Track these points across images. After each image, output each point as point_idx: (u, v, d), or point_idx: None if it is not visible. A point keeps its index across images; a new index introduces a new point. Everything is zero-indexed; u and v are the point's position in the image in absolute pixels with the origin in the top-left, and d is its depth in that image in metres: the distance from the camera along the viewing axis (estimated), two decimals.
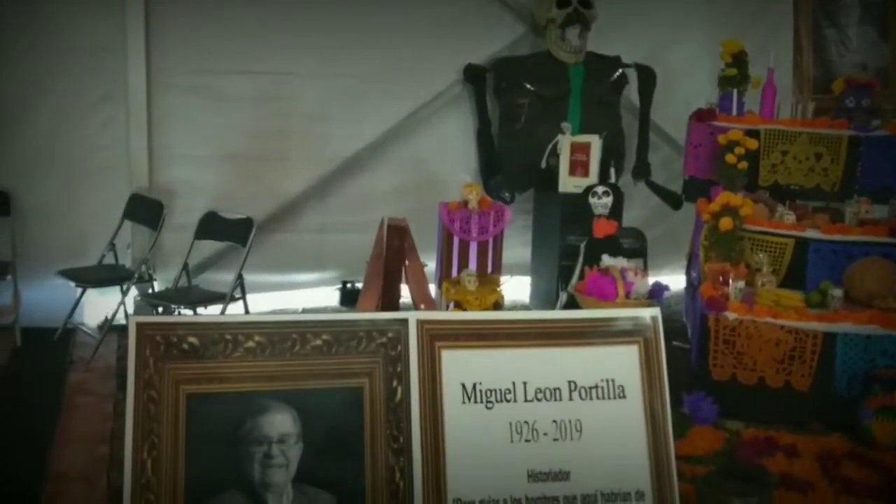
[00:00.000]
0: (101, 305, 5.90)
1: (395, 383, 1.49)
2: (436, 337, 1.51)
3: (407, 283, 1.65)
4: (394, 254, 1.56)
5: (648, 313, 1.60)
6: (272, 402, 1.45)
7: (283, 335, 1.47)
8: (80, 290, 5.65)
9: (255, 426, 1.44)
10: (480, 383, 1.52)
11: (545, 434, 1.53)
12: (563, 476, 1.52)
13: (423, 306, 1.59)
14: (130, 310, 5.79)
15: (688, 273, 5.82)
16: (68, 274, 5.57)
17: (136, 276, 5.66)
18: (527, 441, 1.52)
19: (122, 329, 5.75)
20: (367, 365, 1.49)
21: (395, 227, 1.53)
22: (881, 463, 4.43)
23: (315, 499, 1.45)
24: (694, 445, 4.44)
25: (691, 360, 5.03)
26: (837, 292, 4.95)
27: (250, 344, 1.45)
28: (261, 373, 1.45)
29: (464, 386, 1.51)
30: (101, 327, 5.74)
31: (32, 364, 5.37)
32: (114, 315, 5.72)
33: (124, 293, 5.73)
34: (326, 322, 1.50)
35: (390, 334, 1.50)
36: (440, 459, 1.48)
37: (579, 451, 1.54)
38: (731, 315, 4.86)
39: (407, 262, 1.61)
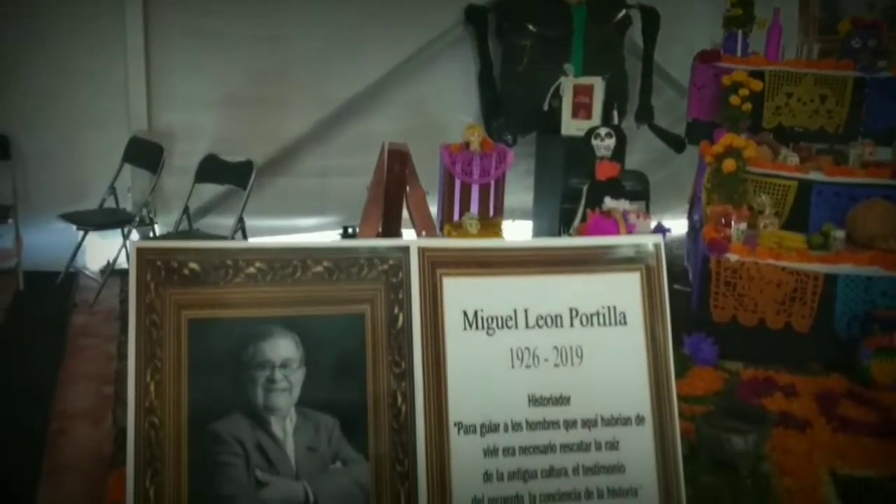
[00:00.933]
0: (103, 249, 5.91)
1: (396, 310, 1.49)
2: (437, 264, 1.51)
3: (408, 209, 1.64)
4: (394, 179, 1.55)
5: (651, 240, 1.59)
6: (274, 327, 1.45)
7: (284, 261, 1.47)
8: (81, 233, 5.65)
9: (257, 351, 1.44)
10: (482, 310, 1.52)
11: (546, 360, 1.53)
12: (563, 401, 1.53)
13: (424, 233, 1.59)
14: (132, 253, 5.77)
15: (689, 217, 5.81)
16: (69, 217, 5.57)
17: (137, 219, 5.66)
18: (527, 367, 1.53)
19: (125, 273, 5.77)
20: (368, 292, 1.49)
21: (395, 151, 1.51)
22: (879, 402, 4.48)
23: (318, 422, 1.46)
24: (693, 386, 4.48)
25: (692, 303, 5.05)
26: (839, 234, 4.96)
27: (251, 270, 1.45)
28: (262, 299, 1.45)
29: (465, 313, 1.51)
30: (103, 271, 5.75)
31: (35, 307, 5.40)
32: (115, 259, 5.73)
33: (125, 237, 5.74)
34: (327, 249, 1.49)
35: (391, 261, 1.50)
36: (441, 384, 1.49)
37: (580, 377, 1.54)
38: (732, 257, 4.86)
39: (408, 188, 1.60)
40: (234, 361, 1.43)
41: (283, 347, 1.45)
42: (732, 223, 4.94)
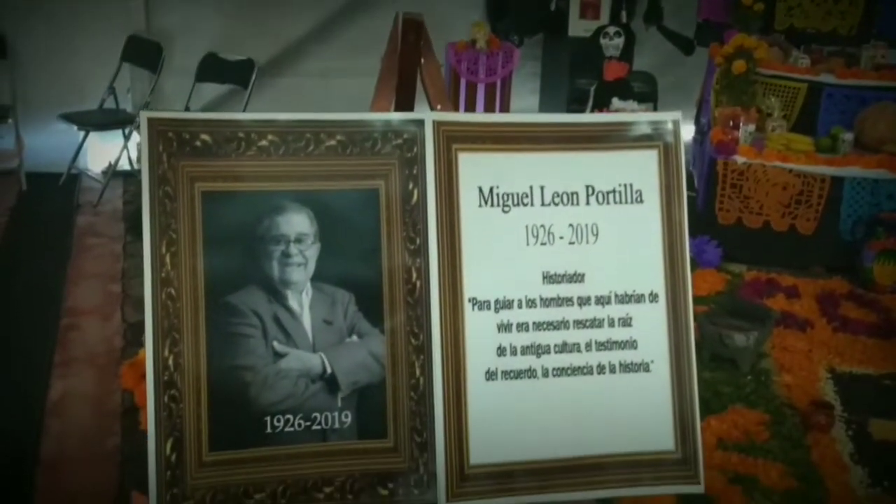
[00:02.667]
0: (105, 151, 5.87)
1: (411, 185, 1.47)
2: (453, 139, 1.49)
3: (422, 82, 1.60)
4: (409, 50, 1.51)
5: (670, 117, 1.56)
6: (288, 202, 1.44)
7: (297, 134, 1.44)
8: (82, 134, 5.60)
9: (272, 225, 1.43)
10: (497, 187, 1.50)
11: (561, 237, 1.53)
12: (577, 278, 1.53)
13: (439, 107, 1.56)
14: (133, 155, 5.75)
15: (697, 121, 5.74)
16: (69, 118, 5.51)
17: (137, 120, 5.59)
18: (542, 244, 1.52)
19: (127, 174, 5.75)
20: (382, 166, 1.47)
21: (410, 20, 1.47)
22: (879, 303, 4.53)
23: (334, 296, 1.46)
24: (696, 287, 4.49)
25: (697, 206, 5.04)
26: (848, 136, 4.91)
27: (263, 143, 1.43)
28: (275, 172, 1.44)
29: (480, 189, 1.50)
30: (105, 172, 5.73)
31: (39, 208, 5.40)
32: (117, 160, 5.70)
33: (126, 138, 5.69)
34: (340, 122, 1.47)
35: (406, 136, 1.47)
36: (456, 260, 1.49)
37: (595, 255, 1.54)
38: (739, 159, 4.83)
39: (423, 60, 1.56)
40: (249, 235, 1.43)
41: (298, 222, 1.44)
42: (741, 125, 4.89)
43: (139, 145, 5.85)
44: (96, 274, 4.49)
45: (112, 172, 5.65)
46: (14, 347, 3.77)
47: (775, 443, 3.33)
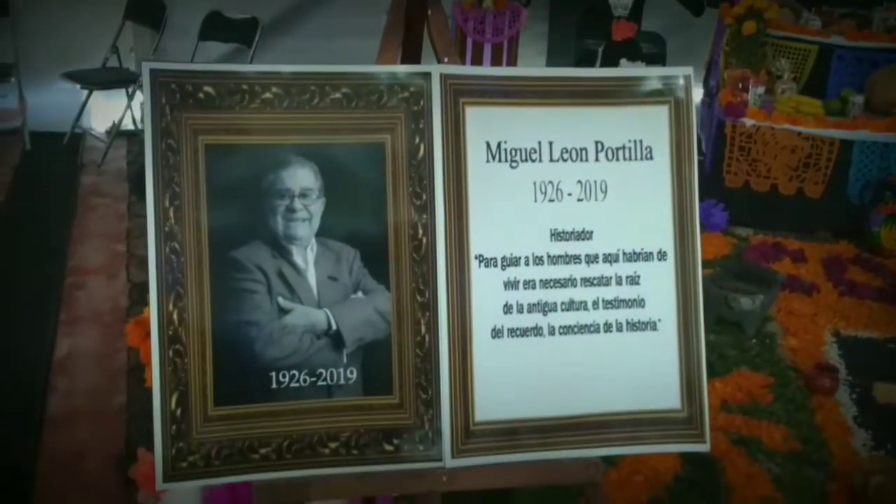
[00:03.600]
0: (108, 111, 5.84)
1: (417, 140, 1.45)
2: (460, 93, 1.46)
3: (429, 35, 1.57)
4: (415, 1, 1.48)
5: (681, 72, 1.53)
6: (293, 156, 1.42)
7: (301, 87, 1.42)
8: (85, 93, 5.56)
9: (276, 179, 1.41)
10: (505, 142, 1.48)
11: (569, 194, 1.50)
12: (586, 235, 1.51)
13: (446, 60, 1.53)
14: (137, 114, 5.72)
15: (706, 83, 5.68)
16: (72, 76, 5.47)
17: (140, 79, 5.55)
18: (550, 201, 1.50)
19: (130, 134, 5.72)
20: (388, 120, 1.44)
21: None
22: (886, 267, 4.51)
23: (339, 252, 1.45)
24: (702, 250, 4.50)
25: (704, 169, 5.01)
26: (858, 99, 4.86)
27: (267, 95, 1.40)
28: (280, 126, 1.41)
29: (488, 144, 1.47)
30: (108, 132, 5.70)
31: (43, 167, 5.39)
32: (121, 120, 5.67)
33: (130, 97, 5.65)
34: (346, 74, 1.44)
35: (412, 89, 1.44)
36: (463, 217, 1.47)
37: (603, 212, 1.52)
38: (748, 121, 4.79)
39: (430, 12, 1.53)
40: (253, 189, 1.41)
41: (302, 176, 1.42)
42: (750, 87, 4.84)
43: (143, 105, 5.81)
44: (101, 233, 4.49)
45: (116, 132, 5.63)
46: (19, 306, 3.78)
47: (779, 405, 3.34)
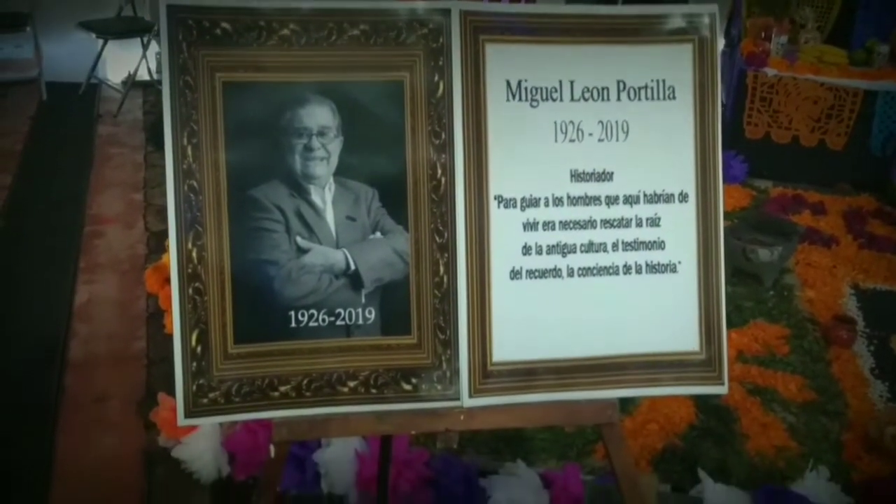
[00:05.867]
0: (123, 61, 5.83)
1: (436, 77, 1.43)
2: (480, 29, 1.43)
3: None
4: None
5: (706, 10, 1.50)
6: (311, 94, 1.40)
7: (319, 23, 1.40)
8: (100, 43, 5.54)
9: (294, 117, 1.40)
10: (526, 80, 1.46)
11: (590, 134, 1.49)
12: (606, 177, 1.50)
13: None
14: (152, 65, 5.70)
15: (727, 32, 5.58)
16: (88, 25, 5.44)
17: (156, 28, 5.50)
18: (571, 141, 1.48)
19: (146, 85, 5.71)
20: (407, 58, 1.42)
21: None
22: None
23: (357, 192, 1.44)
24: None
25: (724, 119, 4.95)
26: (883, 49, 4.77)
27: (285, 32, 1.38)
28: (297, 63, 1.40)
29: (508, 82, 1.45)
30: (124, 82, 5.69)
31: (59, 117, 5.39)
32: (136, 70, 5.65)
33: (145, 47, 5.62)
34: (364, 11, 1.41)
35: (431, 25, 1.42)
36: (482, 156, 1.45)
37: (624, 153, 1.50)
38: (770, 71, 4.71)
39: None
40: (271, 128, 1.40)
41: (320, 114, 1.41)
42: (773, 36, 4.75)
43: (158, 55, 5.77)
44: (118, 183, 4.51)
45: (132, 83, 5.61)
46: (39, 253, 3.82)
47: (796, 356, 3.34)
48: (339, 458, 2.60)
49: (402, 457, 2.54)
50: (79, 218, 4.12)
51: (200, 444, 2.65)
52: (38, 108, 5.46)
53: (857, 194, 4.74)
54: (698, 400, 2.99)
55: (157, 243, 3.80)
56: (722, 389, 1.55)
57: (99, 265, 3.73)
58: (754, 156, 4.77)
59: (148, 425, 2.78)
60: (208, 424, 2.66)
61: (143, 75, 5.65)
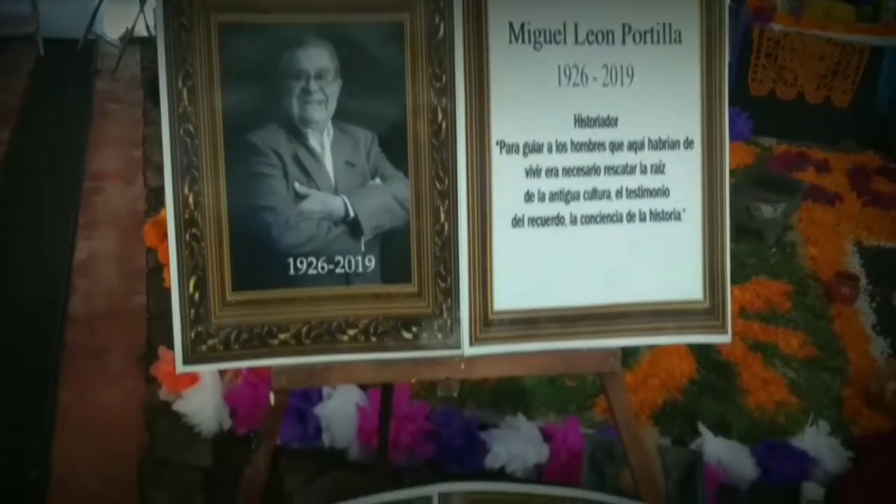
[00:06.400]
0: (121, 17, 5.75)
1: (437, 19, 1.39)
2: None
3: None
4: None
5: None
6: (308, 35, 1.37)
7: None
8: None
9: (291, 60, 1.37)
10: (529, 22, 1.42)
11: (595, 79, 1.46)
12: (610, 122, 1.47)
13: None
14: (150, 21, 5.62)
15: None
16: None
17: None
18: (575, 85, 1.45)
19: (144, 41, 5.63)
20: None
21: None
22: None
23: (356, 137, 1.42)
24: None
25: (729, 75, 4.89)
26: (891, 5, 4.69)
27: None
28: (295, 3, 1.37)
29: (511, 24, 1.42)
30: (122, 38, 5.62)
31: (57, 73, 5.34)
32: (133, 26, 5.57)
33: (143, 2, 5.54)
34: None
35: None
36: (484, 100, 1.43)
37: (629, 98, 1.47)
38: (776, 26, 4.64)
39: None
40: (268, 70, 1.37)
41: (318, 57, 1.38)
42: None
43: (155, 11, 5.72)
44: (117, 139, 4.47)
45: (129, 38, 5.54)
46: (38, 209, 3.80)
47: (797, 313, 3.33)
48: (340, 411, 2.60)
49: (402, 410, 2.54)
50: (78, 174, 4.09)
51: (201, 397, 2.65)
52: (35, 64, 5.40)
53: (861, 152, 4.70)
54: (699, 355, 2.99)
55: (156, 200, 3.78)
56: (725, 338, 1.54)
57: (98, 221, 3.71)
58: (759, 113, 4.72)
59: (149, 379, 2.78)
60: (209, 378, 2.67)
61: (141, 31, 5.57)
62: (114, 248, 3.51)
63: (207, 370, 1.59)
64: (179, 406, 2.65)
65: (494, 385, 2.81)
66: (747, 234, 3.75)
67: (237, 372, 2.71)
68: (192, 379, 2.66)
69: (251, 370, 2.66)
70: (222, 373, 2.70)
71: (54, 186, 3.98)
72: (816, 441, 2.62)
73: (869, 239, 3.91)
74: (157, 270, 3.28)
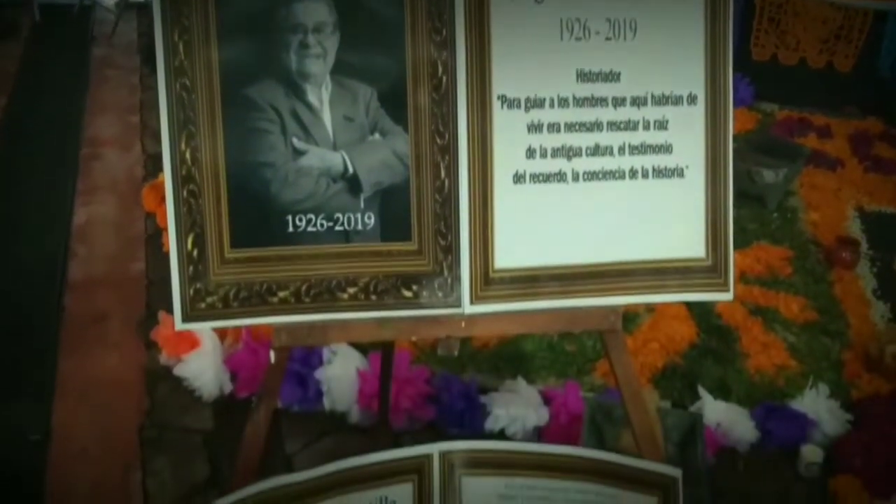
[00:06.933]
0: None
1: None
2: None
3: None
4: None
5: None
6: None
7: None
8: None
9: (289, 13, 1.35)
10: None
11: (597, 33, 1.43)
12: (613, 77, 1.45)
13: None
14: None
15: None
16: None
17: None
18: (577, 39, 1.43)
19: (140, 6, 5.57)
20: None
21: None
22: None
23: (355, 91, 1.39)
24: None
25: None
26: None
27: None
28: None
29: None
30: (118, 4, 5.56)
31: (54, 39, 5.29)
32: None
33: None
34: None
35: None
36: (485, 55, 1.40)
37: (632, 52, 1.45)
38: None
39: None
40: (265, 24, 1.34)
41: (316, 9, 1.35)
42: None
43: None
44: (114, 105, 4.44)
45: (125, 4, 5.48)
46: (36, 175, 3.77)
47: (798, 278, 3.33)
48: (340, 375, 2.61)
49: (402, 374, 2.54)
50: (76, 140, 4.06)
51: (201, 362, 2.66)
52: (31, 30, 5.35)
53: (863, 117, 4.67)
54: (699, 319, 2.99)
55: (154, 165, 3.76)
56: (727, 296, 1.53)
57: (97, 187, 3.69)
58: (761, 78, 4.69)
59: (149, 344, 2.78)
60: (209, 343, 2.67)
61: None
62: (112, 214, 3.50)
63: (206, 327, 1.58)
64: (179, 370, 2.66)
65: (494, 350, 2.81)
66: (748, 199, 3.74)
67: (237, 337, 2.71)
68: (192, 343, 2.67)
69: (251, 335, 2.66)
70: (222, 338, 2.70)
71: (52, 152, 3.95)
72: (816, 404, 2.63)
73: (870, 204, 3.90)
74: (155, 236, 3.27)
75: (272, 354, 1.47)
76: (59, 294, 3.05)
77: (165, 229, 2.99)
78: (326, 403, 2.60)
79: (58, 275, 3.13)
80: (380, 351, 2.33)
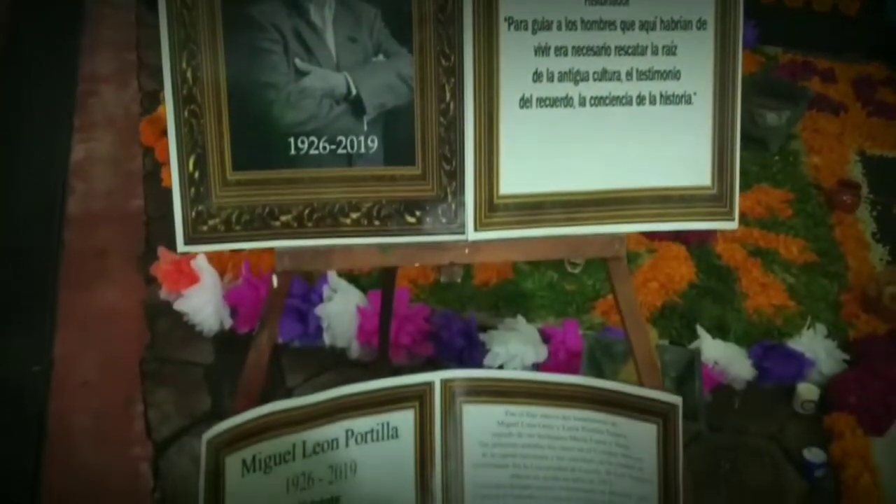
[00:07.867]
0: None
1: None
2: None
3: None
4: None
5: None
6: None
7: None
8: None
9: None
10: None
11: None
12: (622, 0, 1.42)
13: None
14: None
15: None
16: None
17: None
18: None
19: None
20: None
21: None
22: None
23: (359, 11, 1.37)
24: None
25: None
26: None
27: None
28: None
29: None
30: None
31: None
32: None
33: None
34: None
35: None
36: None
37: None
38: None
39: None
40: None
41: None
42: None
43: None
44: (111, 42, 4.37)
45: None
46: (33, 111, 3.73)
47: (798, 220, 3.32)
48: (341, 311, 2.61)
49: (402, 311, 2.55)
50: (72, 77, 4.01)
51: (201, 297, 2.66)
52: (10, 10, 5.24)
53: (867, 62, 4.62)
54: (699, 260, 2.99)
55: (151, 102, 3.72)
56: (732, 225, 1.52)
57: (94, 123, 3.66)
58: (765, 21, 4.61)
59: (149, 280, 2.78)
60: (209, 278, 2.67)
61: None
62: (110, 150, 3.47)
63: (209, 250, 1.57)
64: (180, 305, 2.66)
65: (494, 288, 2.81)
66: (751, 142, 3.71)
67: (237, 272, 2.71)
68: (192, 279, 2.66)
69: (251, 270, 2.66)
70: (222, 273, 2.70)
71: (49, 89, 3.91)
72: (813, 343, 2.64)
73: (872, 149, 3.88)
74: (154, 173, 3.25)
75: (274, 278, 1.47)
76: (58, 229, 3.04)
77: (164, 164, 2.97)
78: (327, 339, 2.61)
79: (57, 210, 3.12)
80: (379, 289, 2.33)
